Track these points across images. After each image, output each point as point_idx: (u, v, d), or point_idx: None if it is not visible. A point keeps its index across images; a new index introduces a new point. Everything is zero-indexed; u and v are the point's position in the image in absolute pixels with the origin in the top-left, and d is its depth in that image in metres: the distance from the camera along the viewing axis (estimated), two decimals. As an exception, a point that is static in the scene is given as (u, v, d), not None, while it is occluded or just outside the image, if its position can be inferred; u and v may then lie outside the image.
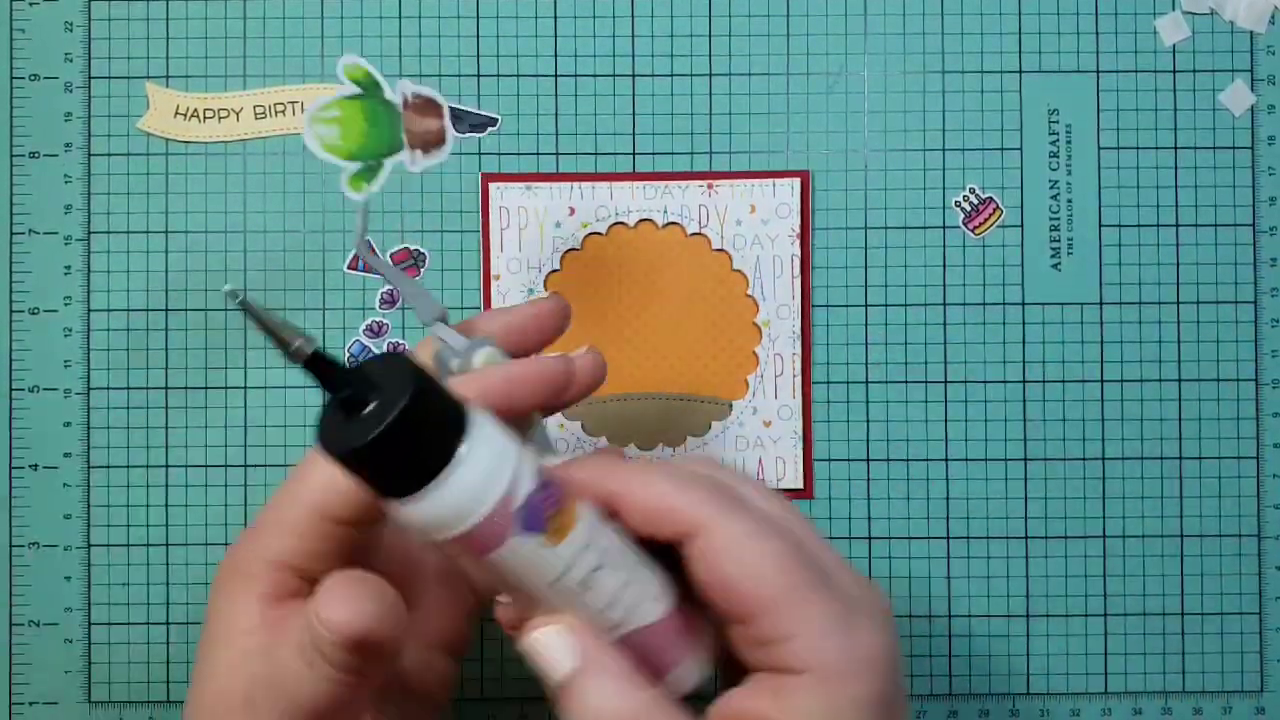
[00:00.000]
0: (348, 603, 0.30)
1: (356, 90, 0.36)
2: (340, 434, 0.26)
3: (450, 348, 0.34)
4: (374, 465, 0.26)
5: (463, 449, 0.27)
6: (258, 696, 0.31)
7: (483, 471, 0.27)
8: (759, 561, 0.30)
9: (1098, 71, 0.46)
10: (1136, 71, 0.46)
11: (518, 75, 0.46)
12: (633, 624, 0.30)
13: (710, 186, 0.45)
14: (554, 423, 0.45)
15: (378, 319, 0.45)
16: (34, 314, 0.45)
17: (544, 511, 0.28)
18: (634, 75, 0.46)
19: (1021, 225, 0.46)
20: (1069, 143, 0.46)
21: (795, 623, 0.30)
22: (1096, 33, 0.46)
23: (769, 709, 0.30)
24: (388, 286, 0.45)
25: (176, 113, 0.46)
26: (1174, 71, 0.46)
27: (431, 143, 0.36)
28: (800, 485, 0.45)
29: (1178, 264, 0.46)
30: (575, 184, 0.45)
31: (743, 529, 0.30)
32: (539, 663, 0.30)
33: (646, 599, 0.30)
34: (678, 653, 0.31)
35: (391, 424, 0.25)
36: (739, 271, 0.45)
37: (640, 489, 0.30)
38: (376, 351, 0.45)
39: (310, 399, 0.45)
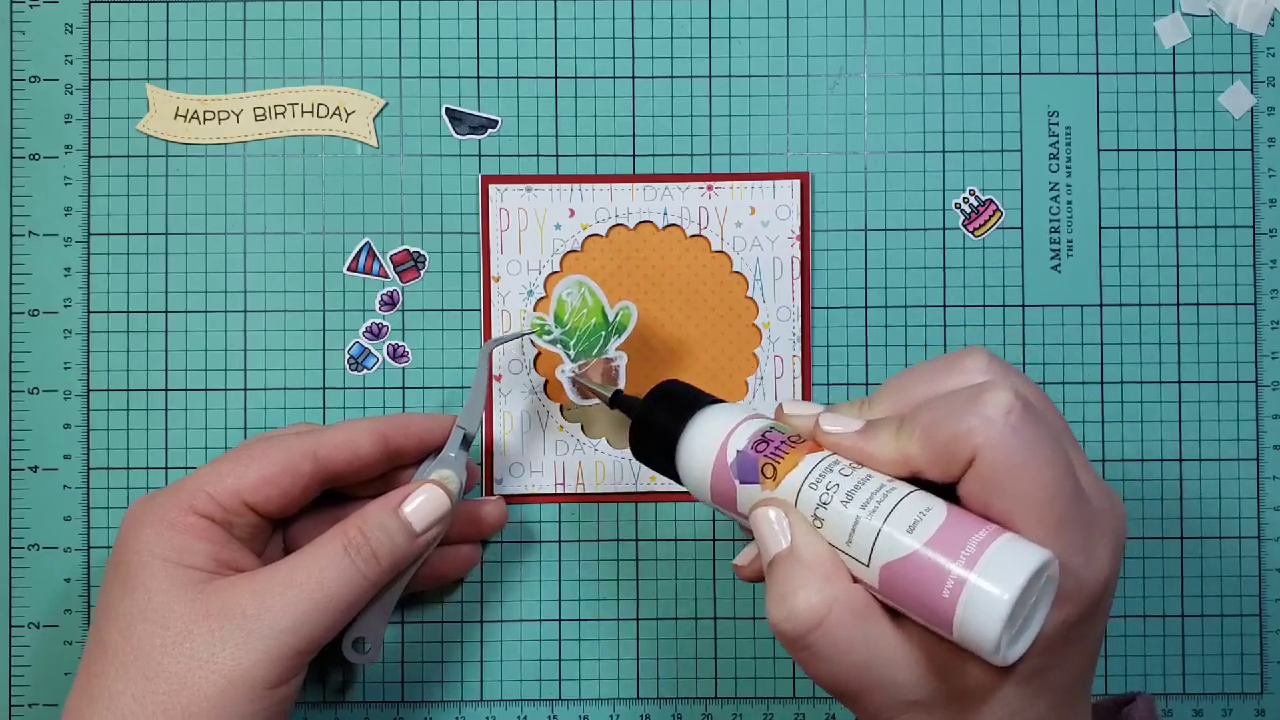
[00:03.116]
0: (433, 506, 0.39)
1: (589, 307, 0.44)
2: (639, 440, 0.37)
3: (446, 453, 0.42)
4: (640, 447, 0.37)
5: (684, 433, 0.35)
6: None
7: (700, 445, 0.34)
8: (1025, 496, 0.29)
9: (1098, 73, 0.46)
10: (1136, 73, 0.46)
11: (518, 77, 0.46)
12: (882, 559, 0.30)
13: (710, 188, 0.45)
14: (554, 425, 0.45)
15: (378, 320, 0.45)
16: (34, 315, 0.45)
17: (756, 464, 0.33)
18: (634, 76, 0.46)
19: (1021, 227, 0.46)
20: (1069, 144, 0.46)
21: (1048, 545, 0.29)
22: (1096, 34, 0.46)
23: None
24: (388, 288, 0.45)
25: (177, 114, 0.46)
26: (1174, 73, 0.46)
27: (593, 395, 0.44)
28: (800, 487, 0.45)
29: (1178, 265, 0.46)
30: (575, 185, 0.45)
31: (1016, 456, 0.29)
32: (758, 538, 0.32)
33: (896, 534, 0.30)
34: (930, 589, 0.30)
35: (638, 418, 0.37)
36: (739, 273, 0.45)
37: (878, 450, 0.32)
38: (376, 352, 0.45)
39: (309, 401, 0.45)
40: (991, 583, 0.28)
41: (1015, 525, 0.30)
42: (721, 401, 0.36)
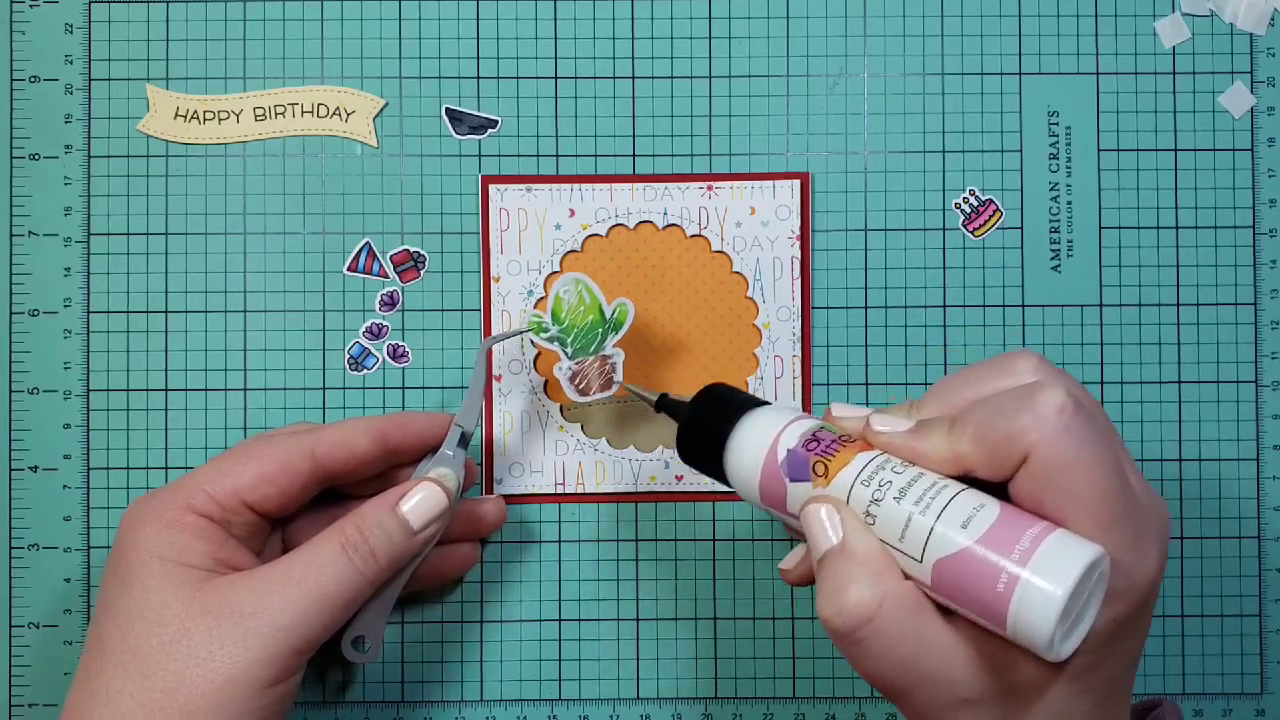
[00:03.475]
0: (431, 504, 0.40)
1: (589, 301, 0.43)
2: (687, 442, 0.37)
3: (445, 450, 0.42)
4: (688, 448, 0.37)
5: (733, 434, 0.35)
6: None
7: (749, 445, 0.35)
8: (1076, 492, 0.30)
9: (1097, 73, 0.46)
10: (1136, 73, 0.46)
11: (518, 77, 0.46)
12: (935, 555, 0.30)
13: (710, 188, 0.45)
14: (554, 425, 0.45)
15: (378, 320, 0.45)
16: (34, 315, 0.45)
17: (807, 462, 0.33)
18: (634, 77, 0.46)
19: (1021, 227, 0.46)
20: (1069, 144, 0.46)
21: (1100, 541, 0.30)
22: (1096, 34, 0.46)
23: None
24: (388, 288, 0.45)
25: (177, 114, 0.46)
26: (1174, 73, 0.46)
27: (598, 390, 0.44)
28: (800, 487, 0.45)
29: (1177, 265, 0.46)
30: (575, 186, 0.45)
31: (1068, 455, 0.30)
32: (809, 535, 0.33)
33: (949, 531, 0.30)
34: (984, 584, 0.30)
35: (687, 420, 0.37)
36: (739, 273, 0.45)
37: (930, 449, 0.32)
38: (376, 352, 0.45)
39: (309, 401, 0.45)
40: (1045, 579, 0.28)
41: (1068, 522, 0.30)
42: (768, 403, 0.36)
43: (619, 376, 0.44)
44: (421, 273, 0.46)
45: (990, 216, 0.46)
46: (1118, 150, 0.46)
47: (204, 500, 0.38)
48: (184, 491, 0.38)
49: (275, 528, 0.41)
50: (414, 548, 0.39)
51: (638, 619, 0.45)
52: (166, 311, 0.45)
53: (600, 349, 0.43)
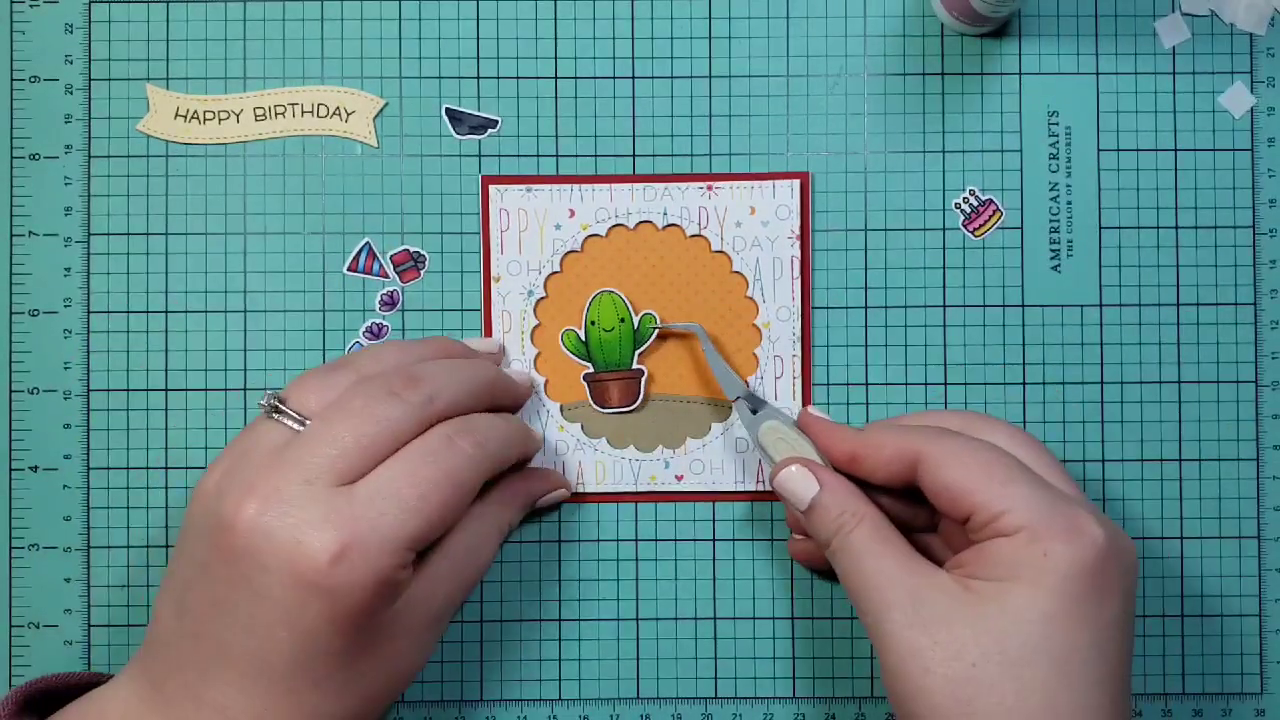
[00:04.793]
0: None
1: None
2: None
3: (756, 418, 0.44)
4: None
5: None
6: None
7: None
8: (968, 467, 0.37)
9: (1097, 73, 0.46)
10: (1136, 73, 0.46)
11: (518, 77, 0.46)
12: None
13: (710, 188, 0.45)
14: (554, 425, 0.45)
15: (378, 320, 0.45)
16: (34, 315, 0.45)
17: None
18: (634, 76, 0.46)
19: (1021, 227, 0.46)
20: (1069, 144, 0.46)
21: (1005, 500, 0.36)
22: (1096, 34, 0.46)
23: (978, 567, 0.36)
24: (388, 288, 0.46)
25: (177, 114, 0.46)
26: (1174, 73, 0.46)
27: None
28: (800, 487, 0.45)
29: (1177, 266, 0.46)
30: (575, 186, 0.45)
31: (951, 448, 0.38)
32: (788, 496, 0.40)
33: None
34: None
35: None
36: (739, 273, 0.45)
37: (871, 446, 0.40)
38: (376, 353, 0.45)
39: (310, 400, 0.45)
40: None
41: (973, 492, 0.37)
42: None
43: (643, 392, 0.45)
44: (421, 273, 0.46)
45: (990, 216, 0.46)
46: (1118, 150, 0.46)
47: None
48: (400, 550, 0.37)
49: None
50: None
51: (638, 619, 0.45)
52: (166, 311, 0.45)
53: (628, 363, 0.44)
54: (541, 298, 0.45)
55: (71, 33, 0.46)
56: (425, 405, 0.38)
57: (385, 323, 0.45)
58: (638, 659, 0.45)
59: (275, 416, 0.38)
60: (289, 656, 0.36)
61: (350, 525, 0.35)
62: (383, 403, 0.38)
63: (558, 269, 0.45)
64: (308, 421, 0.38)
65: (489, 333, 0.45)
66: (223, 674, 0.36)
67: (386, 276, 0.46)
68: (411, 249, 0.46)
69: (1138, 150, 0.46)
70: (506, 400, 0.43)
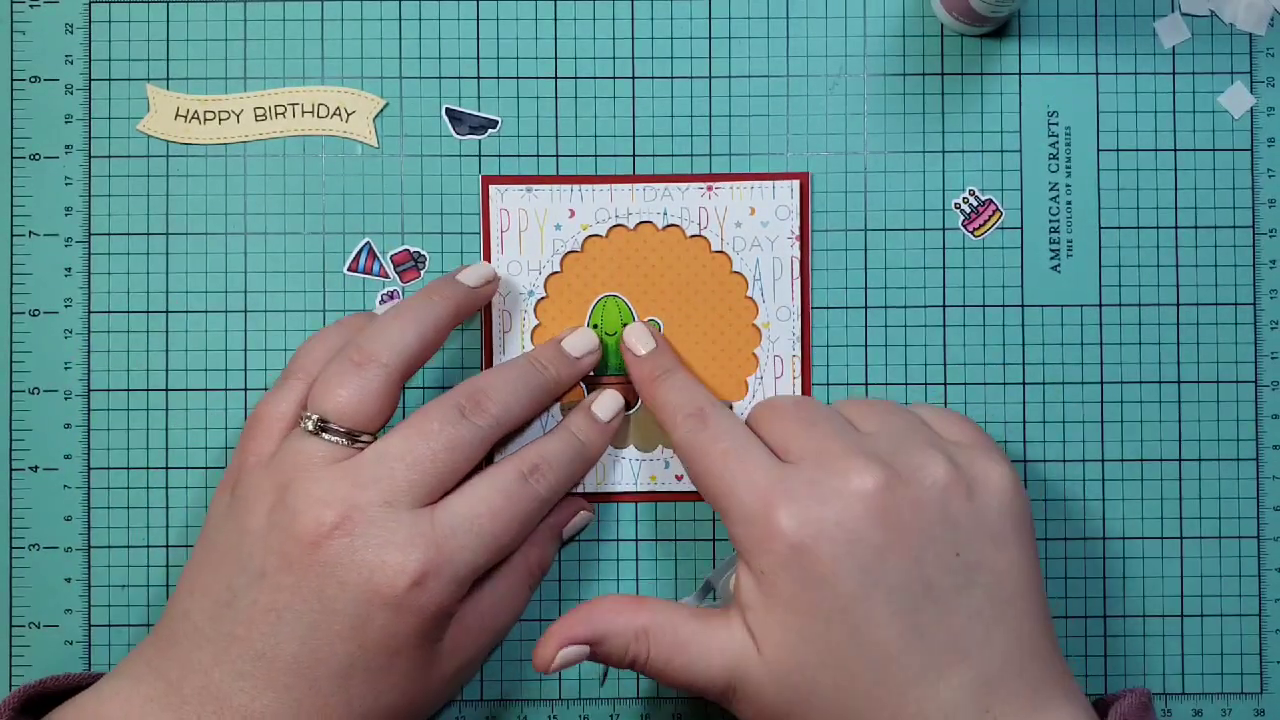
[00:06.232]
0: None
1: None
2: None
3: None
4: None
5: None
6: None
7: None
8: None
9: (1097, 73, 0.46)
10: (1136, 73, 0.46)
11: (518, 77, 0.46)
12: None
13: (710, 188, 0.45)
14: (554, 425, 0.45)
15: (378, 320, 0.45)
16: (34, 315, 0.45)
17: None
18: (634, 77, 0.46)
19: (1021, 227, 0.46)
20: (1068, 144, 0.46)
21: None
22: (1096, 34, 0.46)
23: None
24: (389, 288, 0.46)
25: (177, 115, 0.46)
26: (1173, 73, 0.46)
27: None
28: (800, 487, 0.45)
29: (1177, 266, 0.46)
30: (575, 186, 0.45)
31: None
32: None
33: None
34: None
35: None
36: (738, 273, 0.45)
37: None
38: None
39: (310, 400, 0.45)
40: None
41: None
42: None
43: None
44: (421, 273, 0.46)
45: (990, 216, 0.46)
46: (1117, 150, 0.46)
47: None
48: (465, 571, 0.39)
49: None
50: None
51: (638, 619, 0.45)
52: (167, 311, 0.45)
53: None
54: (542, 298, 0.45)
55: (71, 33, 0.46)
56: (494, 429, 0.40)
57: (385, 323, 0.45)
58: (638, 659, 0.45)
59: (327, 438, 0.39)
60: (336, 668, 0.36)
61: (433, 552, 0.37)
62: (455, 425, 0.39)
63: (558, 269, 0.45)
64: (364, 437, 0.39)
65: (489, 332, 0.45)
66: (263, 676, 0.36)
67: (387, 276, 0.46)
68: (412, 249, 0.46)
69: (1137, 150, 0.46)
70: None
